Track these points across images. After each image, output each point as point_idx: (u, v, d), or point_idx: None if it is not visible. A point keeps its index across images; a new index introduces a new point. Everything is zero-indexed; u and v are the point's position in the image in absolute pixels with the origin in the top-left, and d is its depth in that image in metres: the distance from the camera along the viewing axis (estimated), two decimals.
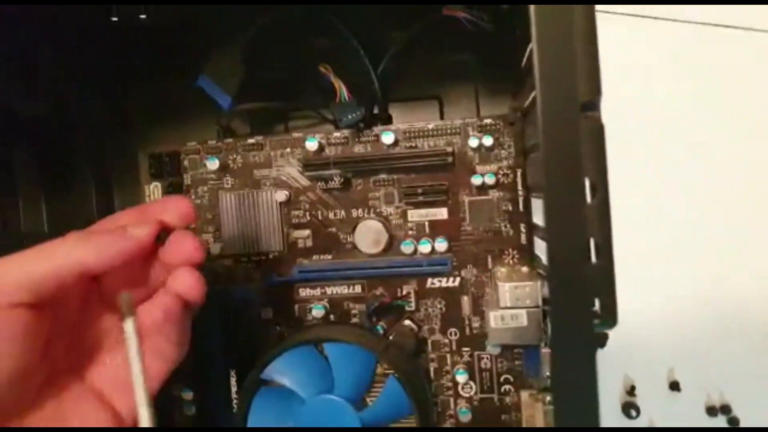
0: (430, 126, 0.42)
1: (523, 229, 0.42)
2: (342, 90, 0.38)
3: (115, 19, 0.38)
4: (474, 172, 0.42)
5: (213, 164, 0.43)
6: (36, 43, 0.37)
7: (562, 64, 0.22)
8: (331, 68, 0.38)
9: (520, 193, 0.42)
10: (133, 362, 0.29)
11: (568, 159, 0.22)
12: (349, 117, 0.39)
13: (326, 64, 0.38)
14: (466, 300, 0.43)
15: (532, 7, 0.22)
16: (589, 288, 0.22)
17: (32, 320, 0.27)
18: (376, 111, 0.43)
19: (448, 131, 0.42)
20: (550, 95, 0.22)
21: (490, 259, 0.43)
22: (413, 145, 0.42)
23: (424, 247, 0.42)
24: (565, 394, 0.22)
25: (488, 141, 0.41)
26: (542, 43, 0.22)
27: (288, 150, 0.43)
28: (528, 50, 0.32)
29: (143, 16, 0.38)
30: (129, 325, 0.29)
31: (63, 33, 0.37)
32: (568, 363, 0.22)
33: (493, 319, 0.39)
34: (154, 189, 0.43)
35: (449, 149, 0.42)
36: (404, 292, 0.43)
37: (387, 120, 0.43)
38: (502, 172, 0.42)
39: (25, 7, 0.34)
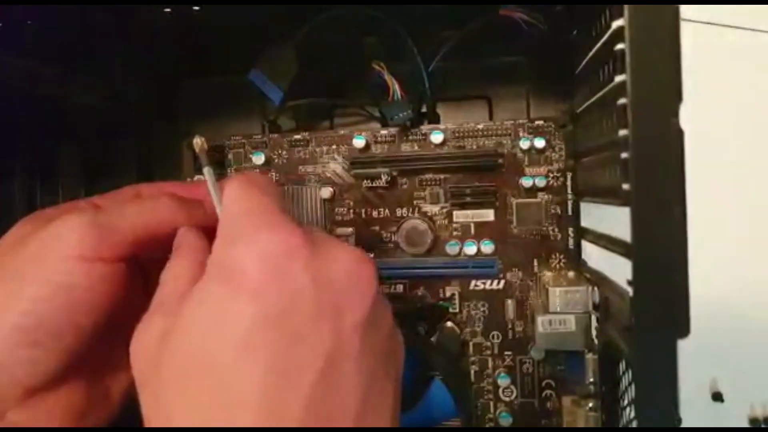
0: (480, 126, 0.42)
1: (571, 233, 0.42)
2: (395, 88, 0.38)
3: (167, 10, 0.37)
4: (523, 174, 0.42)
5: (258, 159, 0.43)
6: (95, 35, 0.37)
7: (656, 68, 0.21)
8: (384, 66, 0.38)
9: (569, 196, 0.41)
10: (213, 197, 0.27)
11: (658, 167, 0.21)
12: (400, 115, 0.39)
13: (380, 62, 0.38)
14: (510, 303, 0.42)
15: (627, 7, 0.21)
16: (672, 298, 0.22)
17: (124, 277, 0.27)
18: (424, 109, 0.42)
19: (498, 132, 0.42)
20: (641, 99, 0.21)
21: (536, 263, 0.42)
22: (462, 145, 0.42)
23: (470, 249, 0.42)
24: (647, 407, 0.21)
25: (540, 143, 0.40)
26: (635, 44, 0.21)
27: (334, 147, 0.43)
28: (593, 52, 0.31)
29: (196, 8, 0.37)
30: (206, 172, 0.28)
31: (120, 24, 0.37)
32: (650, 375, 0.21)
33: (541, 323, 0.38)
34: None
35: (499, 150, 0.41)
36: (447, 294, 0.43)
37: (435, 119, 0.43)
38: (552, 175, 0.41)
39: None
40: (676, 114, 0.24)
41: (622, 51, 0.22)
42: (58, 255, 0.25)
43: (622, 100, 0.23)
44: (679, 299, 0.22)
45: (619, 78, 0.24)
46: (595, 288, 0.37)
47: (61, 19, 0.35)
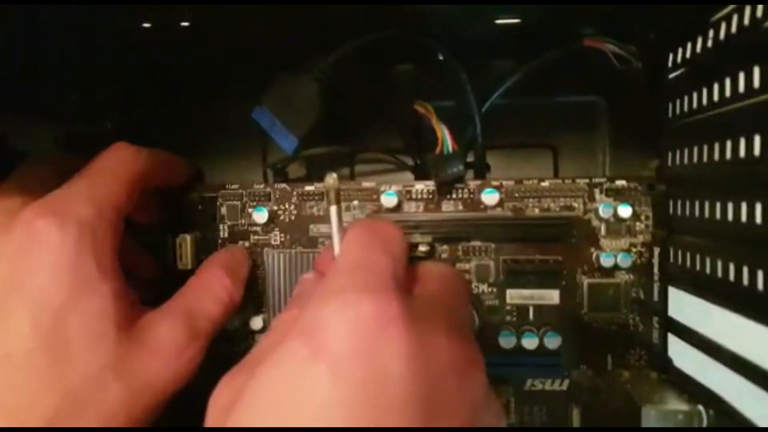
0: (545, 184, 0.33)
1: (655, 324, 0.33)
2: (446, 138, 0.29)
3: (147, 25, 0.28)
4: (598, 247, 0.33)
5: (260, 216, 0.34)
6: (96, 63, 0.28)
7: None
8: (432, 109, 0.28)
9: (656, 278, 0.32)
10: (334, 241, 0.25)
11: None
12: (449, 172, 0.30)
13: (425, 104, 0.29)
14: (576, 412, 0.33)
15: None
16: None
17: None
18: (470, 158, 0.33)
19: (568, 192, 0.33)
20: None
21: (610, 359, 0.33)
22: (519, 206, 0.33)
23: (529, 342, 0.33)
24: None
25: (625, 211, 0.31)
26: None
27: (355, 203, 0.34)
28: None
29: (185, 24, 0.28)
30: (332, 211, 0.26)
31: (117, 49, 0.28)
32: None
33: None
34: (181, 243, 0.34)
35: (568, 215, 0.32)
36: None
37: (484, 171, 0.34)
38: (635, 250, 0.32)
39: (90, 27, 0.24)
40: None
41: None
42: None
43: None
44: None
45: None
46: (708, 411, 0.28)
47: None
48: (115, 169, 0.28)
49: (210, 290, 0.30)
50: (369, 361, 0.19)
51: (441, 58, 0.31)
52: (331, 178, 0.26)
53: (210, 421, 0.21)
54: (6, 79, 0.25)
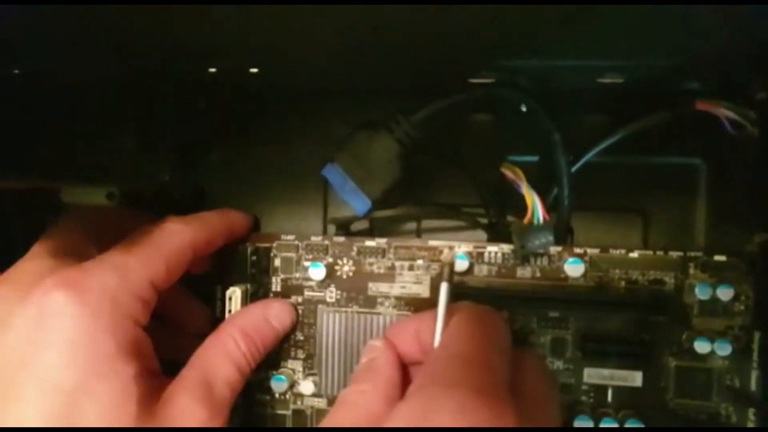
0: (634, 255, 0.29)
1: (751, 417, 0.29)
2: (537, 208, 0.26)
3: (212, 70, 0.26)
4: (690, 328, 0.29)
5: (317, 272, 0.31)
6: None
7: None
8: (522, 175, 0.26)
9: (755, 365, 0.29)
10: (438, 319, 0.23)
11: None
12: (536, 244, 0.27)
13: (514, 167, 0.26)
14: None
15: None
16: None
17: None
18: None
19: (658, 265, 0.29)
20: None
21: None
22: (602, 276, 0.30)
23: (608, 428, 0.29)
24: None
25: (726, 294, 0.28)
26: None
27: (420, 262, 0.31)
28: None
29: (254, 70, 0.26)
30: (443, 288, 0.24)
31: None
32: None
33: None
34: (231, 297, 0.31)
35: (658, 290, 0.29)
36: None
37: (565, 234, 0.31)
38: (732, 333, 0.29)
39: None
40: None
41: None
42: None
43: None
44: None
45: None
46: None
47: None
48: (158, 242, 0.26)
49: (227, 353, 0.28)
50: None
51: (525, 110, 0.28)
52: (450, 253, 0.24)
53: None
54: (60, 134, 0.23)
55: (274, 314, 0.30)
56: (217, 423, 0.26)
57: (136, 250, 0.25)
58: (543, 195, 0.29)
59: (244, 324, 0.28)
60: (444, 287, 0.23)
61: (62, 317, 0.22)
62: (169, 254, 0.26)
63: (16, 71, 0.23)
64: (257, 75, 0.26)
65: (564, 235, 0.31)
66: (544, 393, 0.23)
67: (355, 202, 0.26)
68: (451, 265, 0.24)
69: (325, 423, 0.24)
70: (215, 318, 0.32)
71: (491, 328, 0.23)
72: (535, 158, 0.31)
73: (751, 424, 0.29)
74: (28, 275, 0.24)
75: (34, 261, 0.25)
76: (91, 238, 0.27)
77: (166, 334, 0.31)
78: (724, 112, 0.26)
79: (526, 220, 0.26)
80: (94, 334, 0.23)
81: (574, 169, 0.28)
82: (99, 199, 0.26)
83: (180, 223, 0.28)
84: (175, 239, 0.27)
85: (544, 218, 0.26)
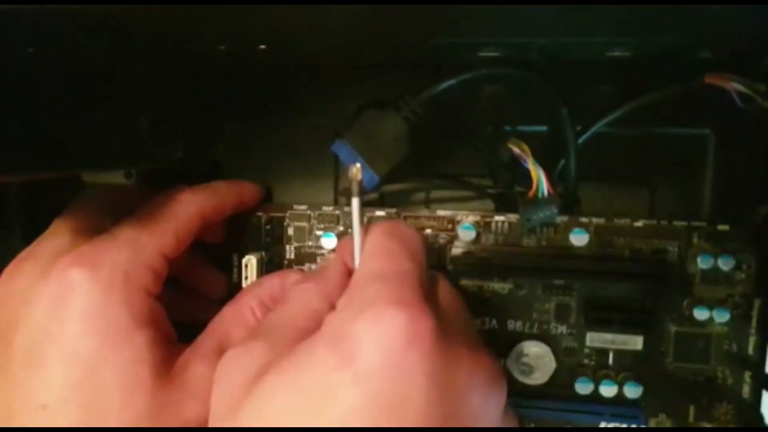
0: (638, 224, 0.30)
1: (747, 379, 0.31)
2: (542, 182, 0.26)
3: (222, 48, 0.26)
4: (691, 295, 0.30)
5: (328, 242, 0.32)
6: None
7: None
8: (528, 150, 0.26)
9: (753, 331, 0.30)
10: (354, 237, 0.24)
11: None
12: (540, 216, 0.27)
13: (521, 142, 0.26)
14: None
15: None
16: None
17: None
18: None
19: (663, 234, 0.30)
20: None
21: (692, 411, 0.31)
22: (609, 245, 0.30)
23: (608, 390, 0.31)
24: None
25: (727, 264, 0.29)
26: None
27: (429, 231, 0.32)
28: None
29: (262, 47, 0.26)
30: (355, 204, 0.24)
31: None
32: None
33: None
34: (247, 264, 0.32)
35: (661, 258, 0.30)
36: None
37: (572, 204, 0.31)
38: (732, 301, 0.30)
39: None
40: None
41: None
42: None
43: None
44: None
45: None
46: None
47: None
48: (167, 214, 0.27)
49: (243, 322, 0.29)
50: (396, 376, 0.19)
51: (534, 85, 0.28)
52: (355, 168, 0.24)
53: (221, 395, 0.22)
54: (73, 119, 0.24)
55: (291, 284, 0.32)
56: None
57: (146, 223, 0.27)
58: (551, 165, 0.29)
59: (261, 293, 0.30)
60: (355, 202, 0.24)
61: (79, 293, 0.24)
62: (177, 224, 0.27)
63: (30, 49, 0.24)
64: (266, 51, 0.26)
65: (571, 206, 0.31)
66: (459, 305, 0.25)
67: (364, 178, 0.27)
68: (359, 182, 0.24)
69: (267, 318, 0.25)
70: (233, 284, 0.34)
71: (404, 240, 0.24)
72: (543, 128, 0.31)
73: (746, 388, 0.31)
74: (48, 251, 0.26)
75: (55, 238, 0.27)
76: (108, 216, 0.28)
77: (186, 301, 0.33)
78: (734, 86, 0.26)
79: (530, 194, 0.27)
80: (109, 307, 0.24)
81: (581, 140, 0.29)
82: (118, 178, 0.27)
83: (188, 193, 0.29)
84: (183, 209, 0.28)
85: (549, 192, 0.27)
